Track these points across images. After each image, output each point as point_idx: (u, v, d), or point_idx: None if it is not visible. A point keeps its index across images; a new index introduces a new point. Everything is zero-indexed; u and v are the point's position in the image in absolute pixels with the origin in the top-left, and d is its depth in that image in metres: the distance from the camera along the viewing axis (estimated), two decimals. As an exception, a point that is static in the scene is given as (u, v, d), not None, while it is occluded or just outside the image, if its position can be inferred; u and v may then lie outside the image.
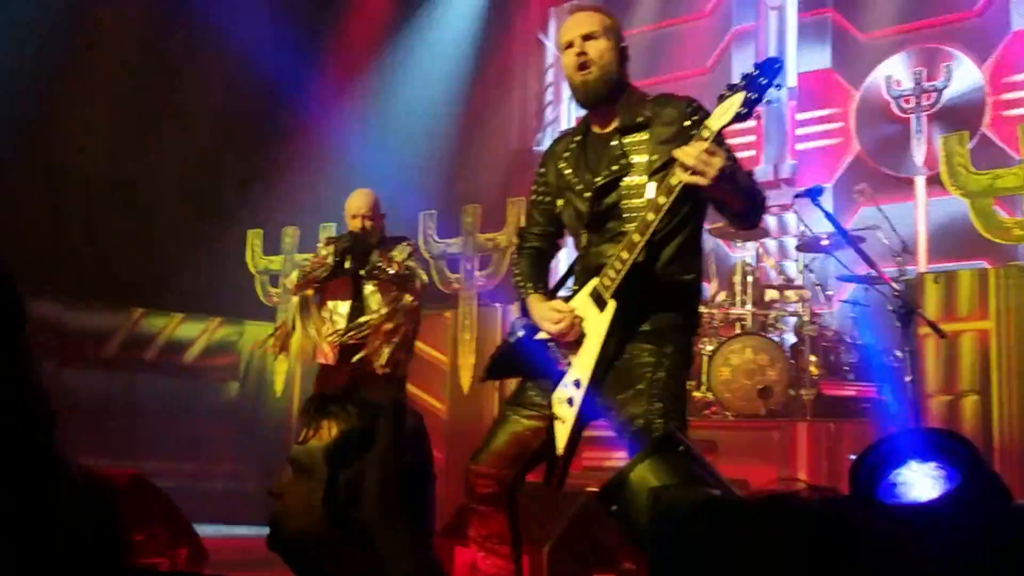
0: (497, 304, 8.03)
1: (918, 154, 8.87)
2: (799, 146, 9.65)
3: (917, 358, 6.36)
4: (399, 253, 5.42)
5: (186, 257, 8.27)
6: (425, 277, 5.55)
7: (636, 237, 2.75)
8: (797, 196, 6.28)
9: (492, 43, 10.14)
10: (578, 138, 3.08)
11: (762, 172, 9.76)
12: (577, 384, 2.85)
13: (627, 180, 2.89)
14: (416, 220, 8.16)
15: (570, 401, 2.86)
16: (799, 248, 7.68)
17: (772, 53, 9.94)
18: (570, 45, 3.01)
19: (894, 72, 9.14)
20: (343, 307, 5.39)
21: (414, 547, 1.61)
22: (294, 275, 5.59)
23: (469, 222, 8.12)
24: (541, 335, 3.01)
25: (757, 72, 2.58)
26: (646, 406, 2.82)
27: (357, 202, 5.49)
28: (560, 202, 3.09)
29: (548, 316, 2.95)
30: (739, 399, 6.88)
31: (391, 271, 5.29)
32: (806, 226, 7.36)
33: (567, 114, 10.88)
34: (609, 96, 2.99)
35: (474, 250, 8.06)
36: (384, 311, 5.27)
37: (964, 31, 8.86)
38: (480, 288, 7.96)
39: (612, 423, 2.93)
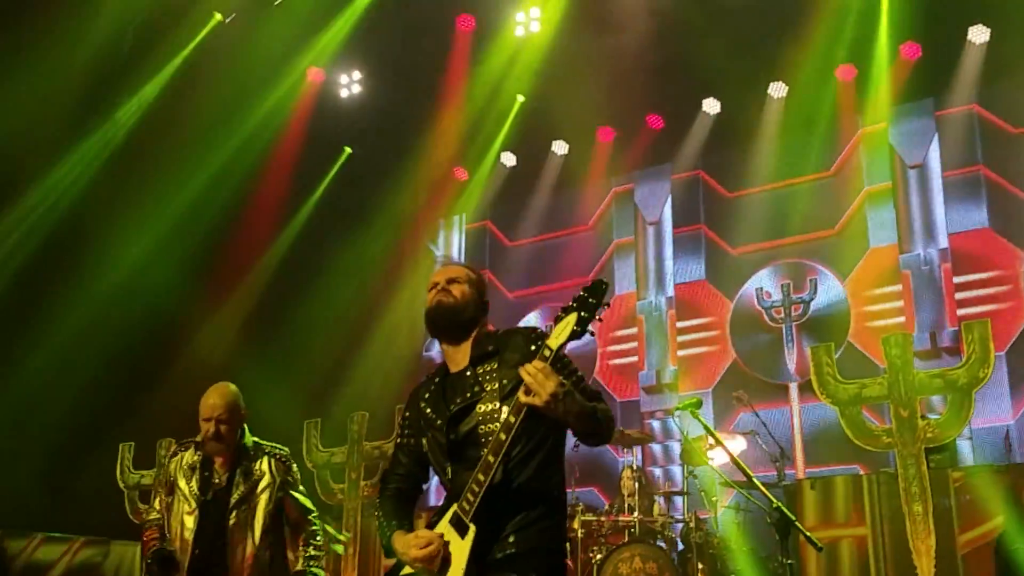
0: (384, 515, 7.84)
1: (790, 362, 9.29)
2: (680, 352, 9.99)
3: (798, 564, 6.44)
4: (260, 466, 4.44)
5: (47, 473, 7.84)
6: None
7: (491, 458, 2.82)
8: (677, 409, 6.43)
9: (382, 251, 10.39)
10: (437, 380, 3.19)
11: (645, 378, 10.05)
12: None
13: (481, 407, 3.00)
14: (300, 428, 8.04)
15: None
16: (683, 457, 7.80)
17: (651, 264, 10.46)
18: (434, 287, 3.19)
19: (764, 284, 9.68)
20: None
21: None
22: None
23: (355, 430, 8.02)
24: (406, 571, 2.97)
25: (586, 294, 2.79)
26: None
27: (210, 401, 4.42)
28: (424, 441, 3.14)
29: (413, 543, 2.92)
30: (630, 610, 6.76)
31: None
32: (685, 434, 7.51)
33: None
34: (462, 330, 3.13)
35: (360, 459, 7.92)
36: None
37: (826, 248, 9.51)
38: (366, 498, 7.77)
39: None
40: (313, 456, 8.03)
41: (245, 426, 4.52)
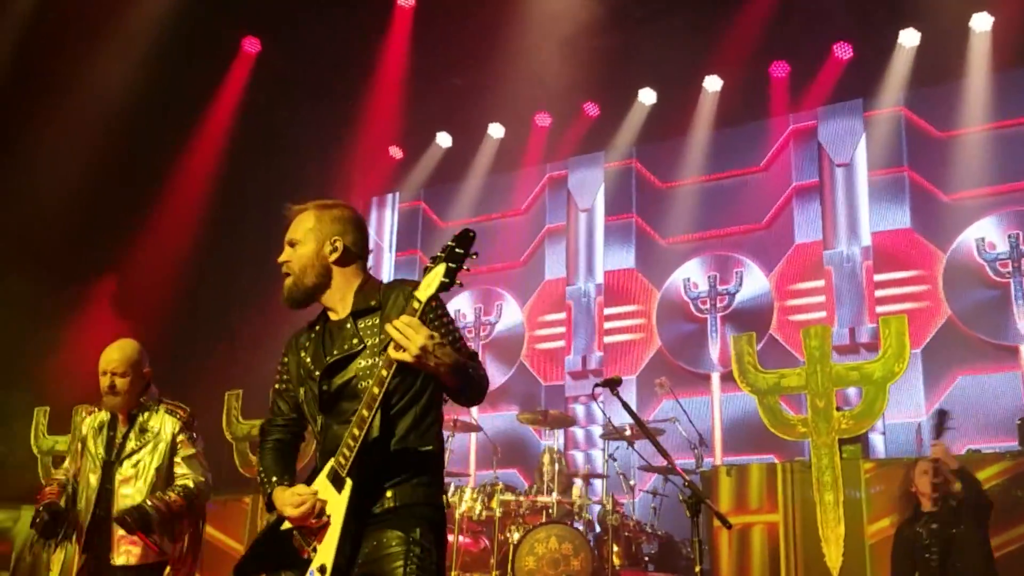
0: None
1: (713, 352, 9.43)
2: (607, 339, 10.07)
3: (711, 549, 6.55)
4: (156, 423, 4.32)
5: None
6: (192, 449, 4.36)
7: (365, 412, 2.80)
8: (596, 386, 6.46)
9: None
10: (317, 327, 3.14)
11: (571, 363, 10.11)
12: (322, 570, 2.79)
13: (360, 361, 2.98)
14: (220, 398, 7.94)
15: None
16: (603, 436, 7.88)
17: (582, 251, 10.52)
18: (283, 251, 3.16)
19: (691, 275, 9.80)
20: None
21: None
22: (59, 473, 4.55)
23: (277, 403, 7.94)
24: (286, 525, 2.94)
25: (454, 244, 2.74)
26: None
27: (107, 355, 4.34)
28: (301, 389, 3.10)
29: (289, 500, 2.89)
30: (543, 591, 6.81)
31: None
32: (608, 418, 7.57)
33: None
34: (315, 294, 3.10)
35: (280, 432, 7.84)
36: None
37: (753, 241, 9.66)
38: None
39: None
40: (233, 428, 7.93)
41: (152, 386, 4.42)
